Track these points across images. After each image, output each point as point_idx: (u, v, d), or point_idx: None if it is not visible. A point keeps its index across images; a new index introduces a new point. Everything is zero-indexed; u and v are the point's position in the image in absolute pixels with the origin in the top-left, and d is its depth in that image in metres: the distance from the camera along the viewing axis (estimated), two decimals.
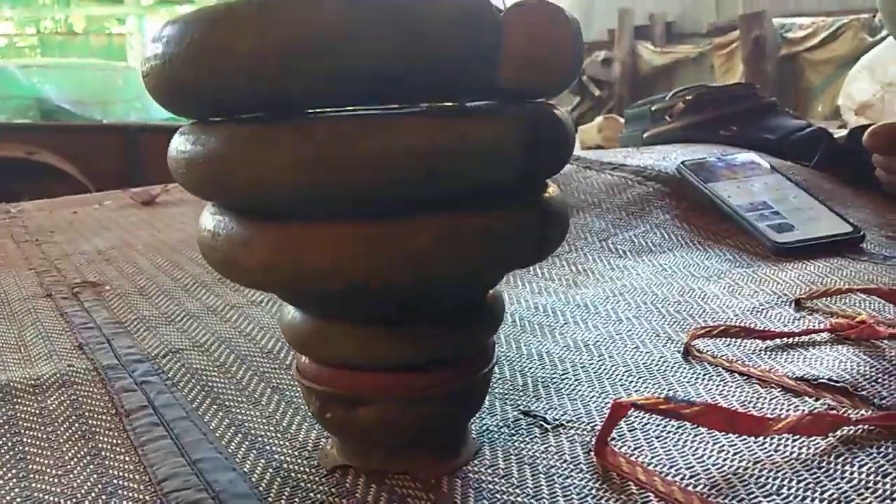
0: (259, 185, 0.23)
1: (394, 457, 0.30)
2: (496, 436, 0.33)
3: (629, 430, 0.33)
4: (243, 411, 0.37)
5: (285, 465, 0.32)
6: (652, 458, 0.31)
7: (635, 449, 0.32)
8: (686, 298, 0.51)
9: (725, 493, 0.28)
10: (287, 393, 0.38)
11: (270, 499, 0.29)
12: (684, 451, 0.31)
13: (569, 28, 0.26)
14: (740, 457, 0.30)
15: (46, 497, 0.30)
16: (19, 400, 0.39)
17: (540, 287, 0.55)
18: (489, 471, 0.30)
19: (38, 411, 0.38)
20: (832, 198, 0.71)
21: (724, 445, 0.31)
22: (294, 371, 0.31)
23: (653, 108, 0.98)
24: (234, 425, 0.35)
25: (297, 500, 0.29)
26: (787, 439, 0.31)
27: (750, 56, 4.02)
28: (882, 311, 0.46)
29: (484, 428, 0.34)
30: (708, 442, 0.31)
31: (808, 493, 0.28)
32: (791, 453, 0.30)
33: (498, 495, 0.29)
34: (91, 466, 0.32)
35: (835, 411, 0.33)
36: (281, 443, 0.33)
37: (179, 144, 0.25)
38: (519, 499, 0.28)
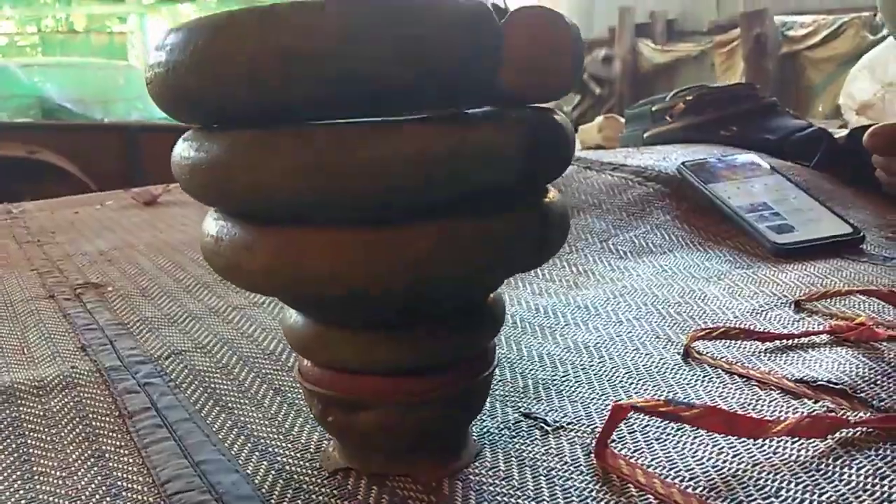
0: (260, 191, 0.23)
1: (395, 460, 0.30)
2: (497, 438, 0.33)
3: (629, 432, 0.33)
4: (246, 413, 0.37)
5: (287, 468, 0.32)
6: (652, 460, 0.31)
7: (635, 451, 0.32)
8: (686, 300, 0.51)
9: (724, 496, 0.28)
10: (289, 395, 0.39)
11: (273, 501, 0.29)
12: (684, 453, 0.31)
13: (569, 33, 0.26)
14: (739, 459, 0.30)
15: (51, 499, 0.30)
16: (23, 401, 0.39)
17: (541, 288, 0.55)
18: (490, 473, 0.31)
19: (42, 413, 0.38)
20: (832, 198, 0.71)
21: (723, 447, 0.31)
22: (296, 374, 0.31)
23: (653, 109, 0.99)
24: (237, 427, 0.36)
25: (299, 502, 0.29)
26: (786, 441, 0.31)
27: (751, 54, 4.01)
28: (881, 313, 0.46)
29: (485, 430, 0.34)
30: (707, 444, 0.32)
31: (807, 495, 0.28)
32: (790, 455, 0.30)
33: (499, 498, 0.29)
34: (95, 468, 0.32)
35: (833, 413, 0.34)
36: (283, 445, 0.34)
37: (183, 151, 0.25)
38: (520, 501, 0.29)
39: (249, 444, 0.34)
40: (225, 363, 0.43)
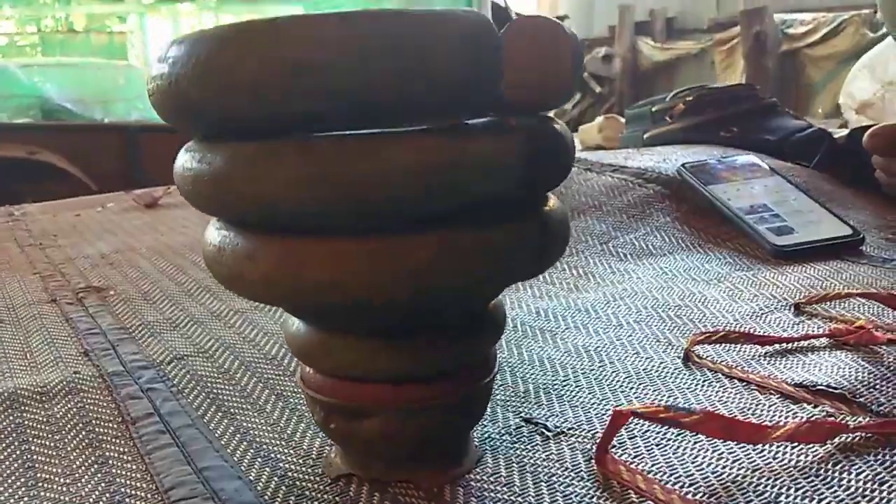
0: (263, 202, 0.24)
1: (396, 466, 0.30)
2: (498, 443, 0.34)
3: (629, 438, 0.33)
4: (248, 418, 0.37)
5: (290, 474, 0.32)
6: (652, 465, 0.31)
7: (635, 456, 0.32)
8: (686, 303, 0.51)
9: (724, 502, 0.28)
10: (291, 400, 0.39)
11: None
12: (684, 459, 0.31)
13: (568, 43, 0.27)
14: (739, 464, 0.31)
15: None
16: (27, 407, 0.39)
17: (541, 291, 0.55)
18: (491, 479, 0.31)
19: (45, 419, 0.38)
20: (832, 199, 0.71)
21: (723, 453, 0.31)
22: (298, 380, 0.31)
23: (653, 109, 0.99)
24: (240, 433, 0.36)
25: None
26: (786, 447, 0.31)
27: (751, 52, 4.01)
28: (881, 316, 0.46)
29: (486, 435, 0.34)
30: (707, 449, 0.32)
31: (806, 501, 0.28)
32: (789, 461, 0.31)
33: None
34: (99, 475, 0.33)
35: (833, 418, 0.34)
36: (285, 450, 0.34)
37: (185, 162, 0.25)
38: None
39: (252, 450, 0.34)
40: (227, 368, 0.44)
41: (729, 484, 0.29)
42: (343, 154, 0.23)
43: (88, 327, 0.51)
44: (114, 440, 0.36)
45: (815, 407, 0.35)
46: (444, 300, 0.26)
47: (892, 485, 0.29)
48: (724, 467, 0.31)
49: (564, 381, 0.40)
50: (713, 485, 0.29)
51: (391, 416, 0.29)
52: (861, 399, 0.35)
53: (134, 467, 0.33)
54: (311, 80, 0.22)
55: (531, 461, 0.32)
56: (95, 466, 0.33)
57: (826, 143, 0.81)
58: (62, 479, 0.32)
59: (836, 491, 0.29)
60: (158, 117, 0.26)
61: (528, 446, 0.33)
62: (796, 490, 0.29)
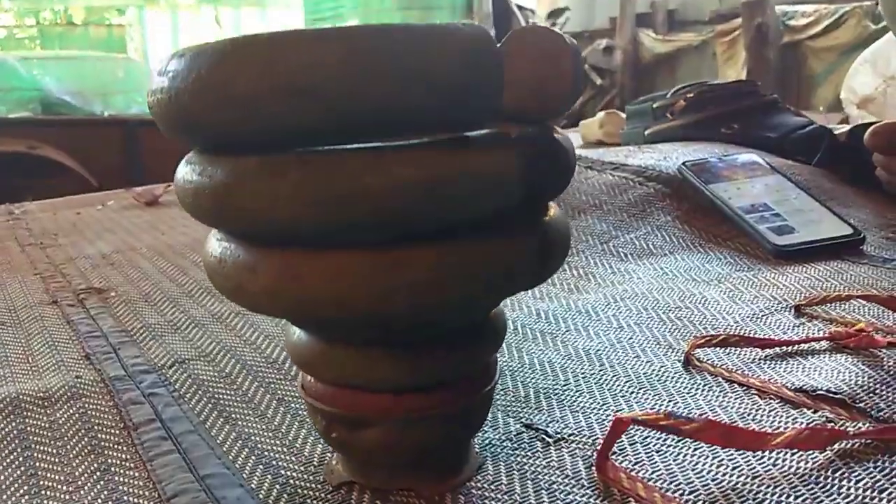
0: (263, 216, 0.24)
1: (398, 475, 0.30)
2: (499, 450, 0.34)
3: (630, 444, 0.33)
4: (250, 424, 0.37)
5: (292, 481, 0.32)
6: (652, 472, 0.31)
7: (636, 463, 0.32)
8: (687, 304, 0.51)
9: None
10: (292, 405, 0.39)
11: None
12: (684, 466, 0.31)
13: (569, 54, 0.27)
14: (739, 471, 0.31)
15: None
16: (29, 413, 0.39)
17: (542, 292, 0.55)
18: (492, 487, 0.31)
19: (47, 425, 0.38)
20: (833, 198, 0.71)
21: (723, 460, 0.32)
22: (299, 388, 0.31)
23: (654, 106, 0.98)
24: (241, 439, 0.36)
25: None
26: (786, 453, 0.32)
27: (752, 44, 3.99)
28: (881, 317, 0.46)
29: (487, 442, 0.34)
30: (707, 455, 0.32)
31: None
32: (789, 468, 0.31)
33: None
34: (101, 483, 0.33)
35: (832, 424, 0.34)
36: (287, 457, 0.34)
37: (186, 174, 0.25)
38: None
39: (254, 457, 0.34)
40: (228, 372, 0.44)
41: (728, 491, 0.30)
42: (343, 168, 0.23)
43: (90, 330, 0.51)
44: (116, 447, 0.36)
45: (814, 412, 0.35)
46: (445, 312, 0.26)
47: (891, 492, 0.29)
48: (723, 474, 0.31)
49: (565, 385, 0.40)
50: (713, 492, 0.30)
51: (392, 426, 0.29)
52: (861, 404, 0.35)
53: (136, 475, 0.33)
54: (311, 97, 0.22)
55: (532, 468, 0.32)
56: (98, 474, 0.33)
57: (827, 140, 0.81)
58: (64, 488, 0.32)
59: (835, 499, 0.29)
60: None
61: (529, 453, 0.33)
62: (796, 498, 0.29)
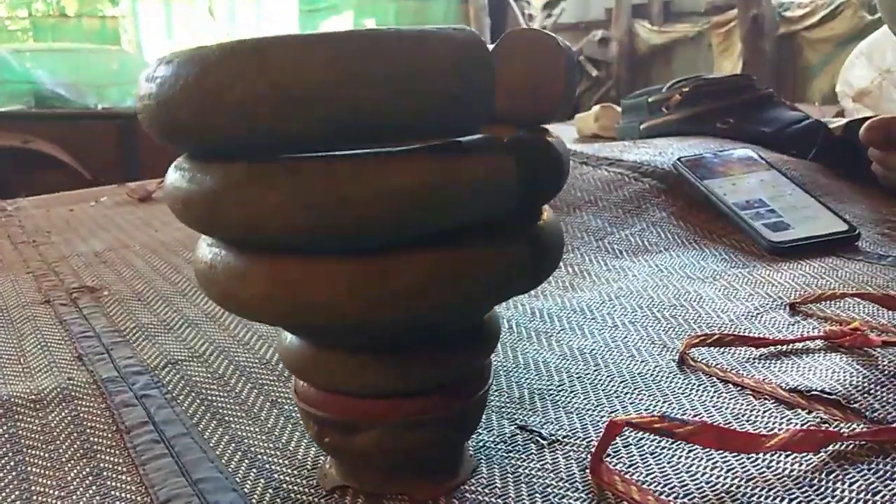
0: (253, 224, 0.23)
1: (391, 479, 0.30)
2: (493, 452, 0.34)
3: (624, 446, 0.33)
4: (243, 427, 0.37)
5: (285, 486, 0.32)
6: (646, 475, 0.31)
7: (630, 465, 0.32)
8: (682, 302, 0.51)
9: None
10: (286, 407, 0.39)
11: None
12: (678, 468, 0.31)
13: (562, 56, 0.26)
14: (733, 474, 0.31)
15: None
16: (21, 416, 0.39)
17: (536, 290, 0.55)
18: (486, 491, 0.31)
19: (39, 428, 0.38)
20: (828, 193, 0.71)
21: (717, 462, 0.32)
22: (292, 393, 0.31)
23: (650, 100, 0.98)
24: (234, 442, 0.36)
25: None
26: (780, 455, 0.31)
27: (748, 35, 3.99)
28: (876, 315, 0.46)
29: (481, 444, 0.34)
30: (702, 458, 0.32)
31: None
32: (783, 470, 0.31)
33: None
34: (94, 488, 0.33)
35: (827, 425, 0.34)
36: (280, 461, 0.34)
37: (175, 181, 0.25)
38: None
39: (247, 461, 0.34)
40: (221, 373, 0.43)
41: (723, 494, 0.30)
42: (333, 176, 0.22)
43: (82, 330, 0.51)
44: (108, 450, 0.36)
45: (809, 413, 0.35)
46: (437, 319, 0.26)
47: (885, 495, 0.29)
48: (717, 477, 0.31)
49: (559, 385, 0.40)
50: (707, 495, 0.30)
51: (385, 431, 0.29)
52: (855, 405, 0.35)
53: (128, 479, 0.33)
54: (299, 104, 0.21)
55: (526, 471, 0.32)
56: (90, 479, 0.33)
57: (822, 135, 0.80)
58: (56, 493, 0.32)
59: (829, 502, 0.29)
60: None
61: (523, 455, 0.33)
62: (790, 501, 0.29)
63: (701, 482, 0.30)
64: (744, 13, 3.98)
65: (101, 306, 0.56)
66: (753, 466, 0.31)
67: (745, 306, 0.49)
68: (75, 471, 0.34)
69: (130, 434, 0.37)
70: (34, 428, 0.38)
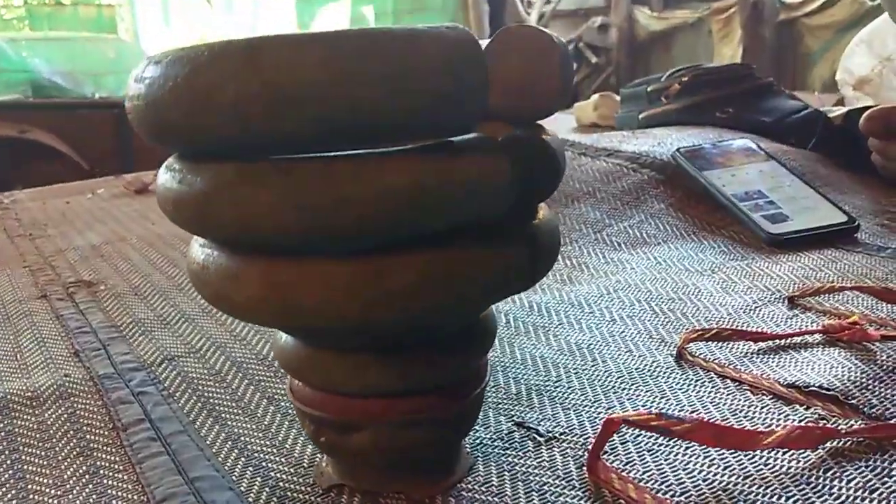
0: (245, 225, 0.23)
1: (388, 478, 0.30)
2: (490, 450, 0.33)
3: (621, 443, 0.33)
4: (239, 424, 0.37)
5: (281, 484, 0.32)
6: (643, 472, 0.31)
7: (627, 463, 0.32)
8: (680, 295, 0.51)
9: None
10: (282, 404, 0.39)
11: None
12: (675, 466, 0.31)
13: (556, 54, 0.26)
14: (730, 471, 0.31)
15: None
16: (17, 414, 0.39)
17: None
18: (482, 489, 0.31)
19: (35, 426, 0.38)
20: (828, 183, 0.71)
21: (714, 459, 0.31)
22: (288, 392, 0.31)
23: (649, 89, 0.98)
24: (231, 439, 0.36)
25: None
26: (777, 453, 0.31)
27: (748, 21, 3.96)
28: (875, 309, 0.46)
29: (478, 441, 0.34)
30: (699, 455, 0.32)
31: None
32: (780, 467, 0.31)
33: None
34: (90, 486, 0.32)
35: (824, 421, 0.34)
36: (277, 459, 0.34)
37: (166, 181, 0.25)
38: None
39: (243, 459, 0.34)
40: (218, 369, 0.43)
41: (720, 492, 0.29)
42: (326, 176, 0.22)
43: (79, 325, 0.51)
44: (104, 448, 0.35)
45: (807, 409, 0.35)
46: (433, 319, 0.26)
47: (882, 493, 0.29)
48: (714, 474, 0.31)
49: (557, 381, 0.40)
50: (704, 493, 0.30)
51: (381, 430, 0.28)
52: (853, 401, 0.35)
53: (125, 477, 0.33)
54: (293, 104, 0.21)
55: (523, 468, 0.32)
56: (87, 477, 0.33)
57: (822, 125, 0.80)
58: (53, 491, 0.32)
59: (826, 500, 0.29)
60: None
61: (520, 452, 0.33)
62: (787, 499, 0.29)
63: (698, 480, 0.30)
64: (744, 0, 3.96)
65: (97, 301, 0.56)
66: (751, 463, 0.31)
67: (743, 300, 0.49)
68: (72, 469, 0.34)
69: (127, 431, 0.36)
70: (31, 426, 0.38)
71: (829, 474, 0.30)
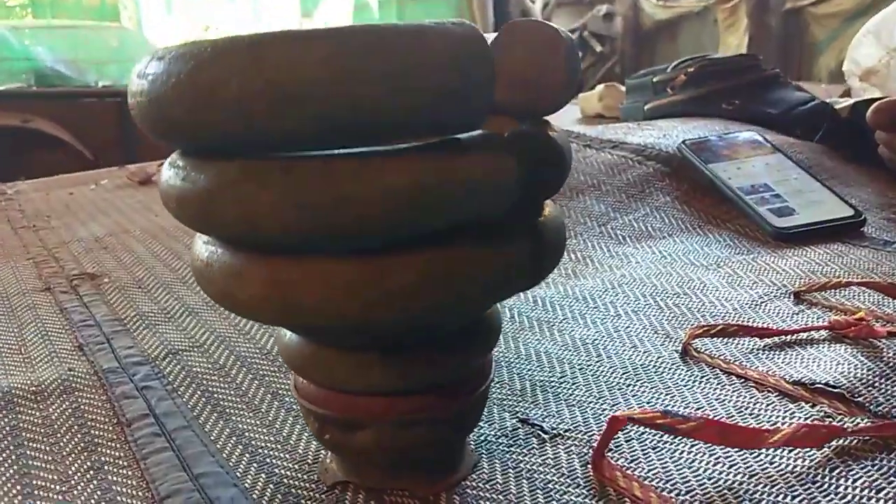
0: (247, 223, 0.23)
1: (392, 475, 0.30)
2: (494, 447, 0.33)
3: (626, 441, 0.33)
4: (243, 419, 0.37)
5: (286, 480, 0.32)
6: (648, 470, 0.31)
7: (632, 461, 0.32)
8: (685, 290, 0.51)
9: None
10: (286, 399, 0.39)
11: None
12: (680, 464, 0.31)
13: (562, 49, 0.26)
14: (735, 469, 0.31)
15: None
16: (22, 408, 0.39)
17: None
18: (487, 486, 0.31)
19: (40, 420, 0.38)
20: (834, 176, 0.71)
21: (719, 457, 0.31)
22: (293, 389, 0.31)
23: (654, 80, 0.97)
24: (235, 435, 0.36)
25: None
26: (783, 451, 0.31)
27: (754, 10, 3.93)
28: (881, 304, 0.46)
29: (482, 438, 0.34)
30: (704, 453, 0.32)
31: None
32: (786, 466, 0.31)
33: None
34: (95, 482, 0.32)
35: (830, 419, 0.34)
36: (281, 455, 0.34)
37: (169, 179, 0.24)
38: None
39: (248, 455, 0.34)
40: (222, 364, 0.43)
41: (725, 491, 0.29)
42: (329, 175, 0.22)
43: (83, 318, 0.51)
44: (109, 443, 0.35)
45: (812, 406, 0.35)
46: (433, 319, 0.26)
47: (888, 492, 0.29)
48: (720, 473, 0.30)
49: (561, 377, 0.40)
50: (709, 491, 0.29)
51: (385, 428, 0.28)
52: (859, 398, 0.35)
53: (129, 473, 0.33)
54: (296, 101, 0.21)
55: (527, 466, 0.32)
56: (91, 473, 0.33)
57: (828, 117, 0.79)
58: (58, 487, 0.32)
59: (832, 499, 0.29)
60: None
61: (525, 450, 0.33)
62: (792, 498, 0.29)
63: (703, 478, 0.30)
64: None
65: (101, 294, 0.56)
66: (756, 462, 0.31)
67: (749, 295, 0.49)
68: (76, 465, 0.34)
69: (131, 427, 0.36)
70: (35, 420, 0.38)
71: (834, 473, 0.30)
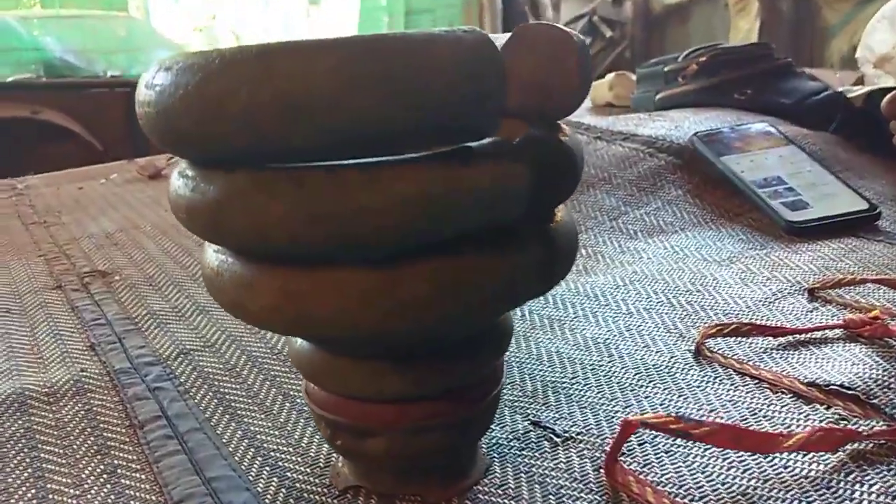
0: (257, 234, 0.23)
1: (404, 481, 0.30)
2: (506, 450, 0.33)
3: (639, 444, 0.33)
4: (255, 422, 0.37)
5: (298, 484, 0.32)
6: (661, 475, 0.31)
7: (645, 465, 0.32)
8: (698, 287, 0.50)
9: None
10: (298, 401, 0.39)
11: None
12: (693, 468, 0.31)
13: (574, 53, 0.25)
14: (749, 474, 0.30)
15: None
16: (35, 410, 0.39)
17: None
18: (499, 491, 0.31)
19: (53, 423, 0.38)
20: (848, 168, 0.70)
21: (732, 461, 0.31)
22: (304, 394, 0.31)
23: (666, 69, 0.96)
24: (247, 438, 0.36)
25: None
26: (797, 455, 0.31)
27: None
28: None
29: (494, 441, 0.34)
30: (717, 457, 0.32)
31: None
32: (800, 471, 0.30)
33: None
34: (108, 486, 0.33)
35: (845, 422, 0.33)
36: (293, 458, 0.34)
37: (179, 188, 0.24)
38: None
39: (260, 458, 0.34)
40: (234, 364, 0.43)
41: (738, 496, 0.29)
42: (338, 185, 0.22)
43: (94, 317, 0.51)
44: (122, 446, 0.36)
45: (827, 408, 0.35)
46: (445, 329, 0.25)
47: None
48: (733, 478, 0.30)
49: (573, 378, 0.39)
50: (722, 497, 0.29)
51: (397, 435, 0.28)
52: (875, 400, 0.35)
53: (142, 477, 0.33)
54: (303, 112, 0.20)
55: (539, 470, 0.32)
56: (105, 476, 0.33)
57: (842, 107, 0.78)
58: (71, 491, 0.32)
59: None
60: None
61: (537, 453, 0.33)
62: (807, 503, 0.29)
63: (716, 483, 0.30)
64: None
65: (112, 292, 0.56)
66: (770, 466, 0.31)
67: (762, 291, 0.48)
68: (90, 468, 0.34)
69: (144, 429, 0.37)
70: (48, 423, 0.38)
71: (849, 478, 0.30)
